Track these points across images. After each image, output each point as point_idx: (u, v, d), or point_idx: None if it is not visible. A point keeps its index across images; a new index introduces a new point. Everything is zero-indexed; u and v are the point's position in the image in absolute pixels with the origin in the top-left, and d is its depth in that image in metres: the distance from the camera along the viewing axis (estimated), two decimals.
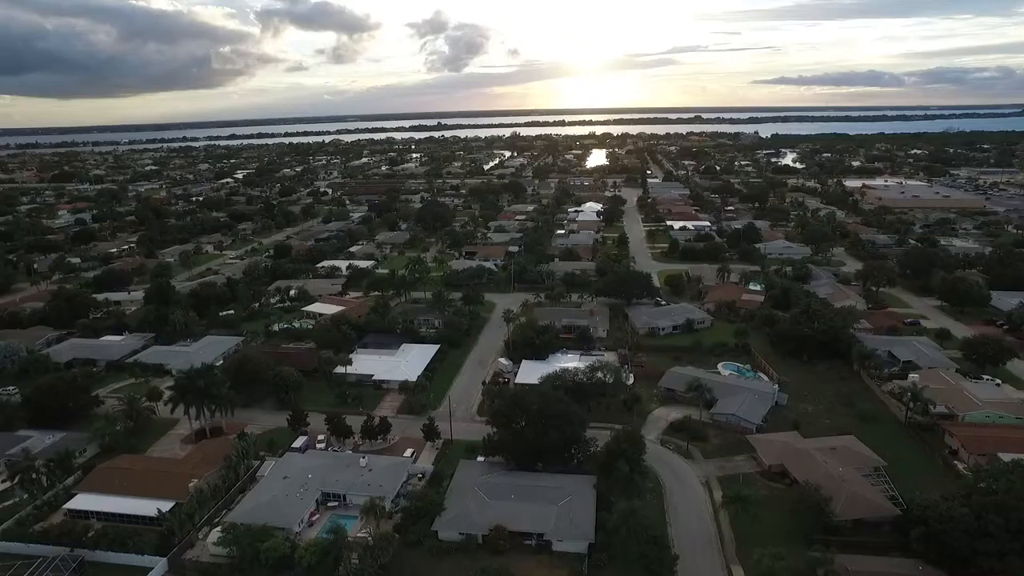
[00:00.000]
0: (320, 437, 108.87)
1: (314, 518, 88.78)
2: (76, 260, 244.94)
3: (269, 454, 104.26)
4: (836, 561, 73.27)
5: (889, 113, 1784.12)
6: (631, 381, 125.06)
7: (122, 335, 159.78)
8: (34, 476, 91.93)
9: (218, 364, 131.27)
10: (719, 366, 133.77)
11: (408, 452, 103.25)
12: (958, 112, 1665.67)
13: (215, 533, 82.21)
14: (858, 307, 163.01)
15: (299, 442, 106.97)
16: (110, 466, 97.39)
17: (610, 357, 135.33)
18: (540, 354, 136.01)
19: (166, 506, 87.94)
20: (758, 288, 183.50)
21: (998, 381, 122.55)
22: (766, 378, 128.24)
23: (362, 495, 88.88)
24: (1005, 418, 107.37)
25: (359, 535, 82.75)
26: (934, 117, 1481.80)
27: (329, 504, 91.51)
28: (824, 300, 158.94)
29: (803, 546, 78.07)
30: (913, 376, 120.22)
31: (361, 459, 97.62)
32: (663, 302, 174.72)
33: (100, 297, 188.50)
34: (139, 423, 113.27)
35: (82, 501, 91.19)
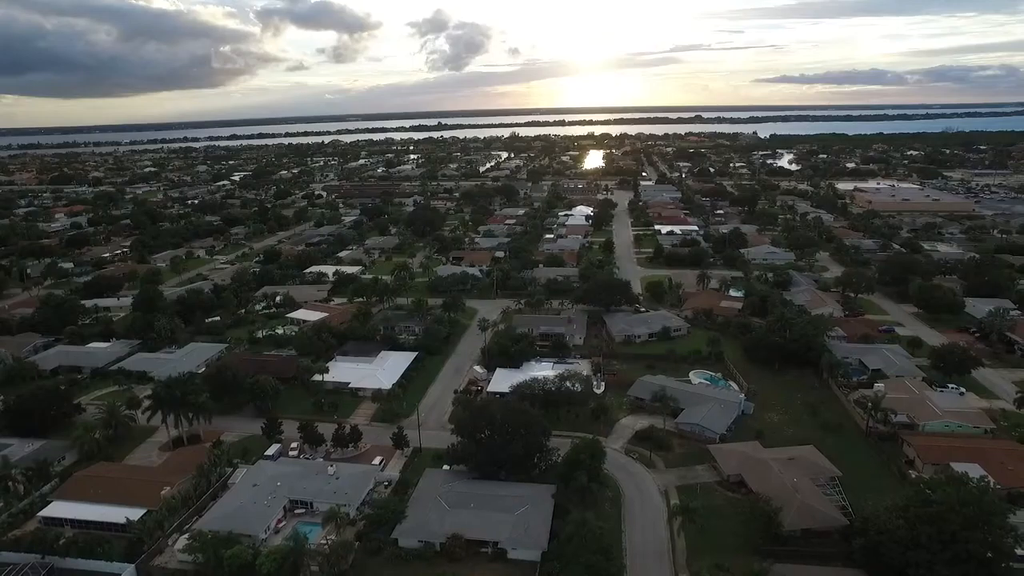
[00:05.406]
0: (293, 445, 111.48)
1: (280, 525, 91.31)
2: (69, 265, 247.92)
3: (243, 461, 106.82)
4: (778, 571, 75.66)
5: (890, 112, 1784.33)
6: (602, 390, 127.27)
7: (109, 342, 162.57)
8: (10, 484, 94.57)
9: (201, 371, 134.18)
10: (691, 375, 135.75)
11: (377, 460, 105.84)
12: (960, 111, 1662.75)
13: (183, 540, 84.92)
14: (835, 314, 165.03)
15: (272, 450, 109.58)
16: (86, 474, 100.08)
17: (583, 365, 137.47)
18: (515, 362, 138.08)
19: (138, 513, 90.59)
20: (738, 295, 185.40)
21: (962, 390, 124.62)
22: (736, 387, 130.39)
23: (328, 502, 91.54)
24: (963, 427, 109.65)
25: (321, 542, 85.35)
26: (935, 116, 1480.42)
27: (296, 511, 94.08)
28: (801, 307, 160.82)
29: (751, 556, 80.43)
30: (878, 385, 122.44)
31: (329, 467, 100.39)
32: (643, 309, 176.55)
33: (90, 303, 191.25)
34: (118, 431, 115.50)
35: (57, 508, 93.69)
